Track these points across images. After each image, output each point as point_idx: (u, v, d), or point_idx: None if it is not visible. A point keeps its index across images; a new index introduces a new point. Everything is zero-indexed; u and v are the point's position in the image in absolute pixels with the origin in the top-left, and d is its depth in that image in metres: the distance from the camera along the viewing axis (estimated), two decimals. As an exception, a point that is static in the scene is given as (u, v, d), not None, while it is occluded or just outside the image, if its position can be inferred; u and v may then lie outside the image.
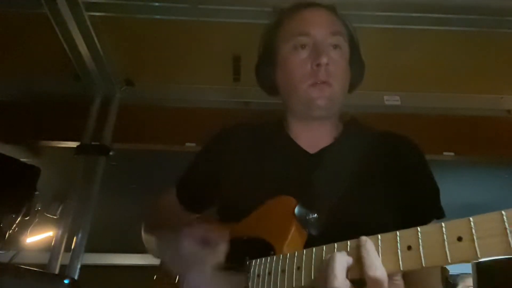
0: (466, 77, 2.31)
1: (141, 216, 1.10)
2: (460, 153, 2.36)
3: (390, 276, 0.55)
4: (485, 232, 0.47)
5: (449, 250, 0.49)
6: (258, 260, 0.74)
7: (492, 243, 0.46)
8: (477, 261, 0.48)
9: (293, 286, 0.64)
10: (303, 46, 0.92)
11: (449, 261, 0.48)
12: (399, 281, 0.57)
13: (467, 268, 2.22)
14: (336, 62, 0.91)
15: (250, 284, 0.73)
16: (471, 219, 0.48)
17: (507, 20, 1.91)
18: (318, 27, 0.92)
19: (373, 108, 2.35)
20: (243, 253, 0.78)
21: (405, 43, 2.09)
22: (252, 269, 0.74)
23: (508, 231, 0.45)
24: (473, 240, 0.47)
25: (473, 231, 0.47)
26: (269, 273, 0.70)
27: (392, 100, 2.42)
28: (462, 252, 0.48)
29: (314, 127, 0.96)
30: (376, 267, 0.54)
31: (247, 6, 1.87)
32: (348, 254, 0.58)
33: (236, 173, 0.94)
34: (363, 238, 0.57)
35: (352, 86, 0.99)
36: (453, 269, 2.83)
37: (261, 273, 0.72)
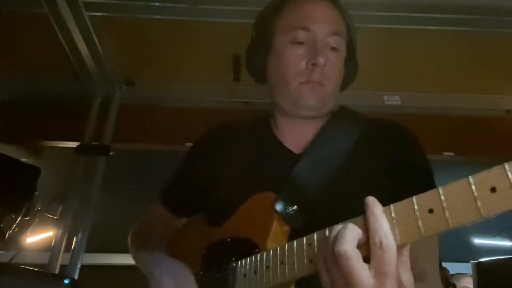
0: (466, 77, 2.31)
1: (133, 223, 1.08)
2: (460, 153, 2.36)
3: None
4: (454, 200, 0.47)
5: (422, 224, 0.49)
6: (244, 260, 0.74)
7: (462, 210, 0.46)
8: (449, 230, 0.47)
9: (278, 281, 0.64)
10: (301, 42, 0.87)
11: (423, 234, 0.49)
12: (406, 256, 0.52)
13: (467, 268, 2.22)
14: (332, 63, 0.88)
15: (237, 285, 0.73)
16: (440, 190, 0.48)
17: (507, 20, 1.91)
18: (319, 23, 0.88)
19: (373, 108, 2.35)
20: (229, 254, 0.77)
21: (405, 43, 2.09)
22: (238, 270, 0.74)
23: (476, 196, 0.45)
24: (443, 210, 0.47)
25: (443, 202, 0.48)
26: (255, 272, 0.69)
27: (392, 100, 2.42)
28: (434, 223, 0.48)
29: (301, 124, 0.92)
30: (385, 233, 0.49)
31: (247, 6, 1.87)
32: None
33: (222, 175, 0.92)
34: (370, 198, 0.52)
35: (344, 86, 0.95)
36: (452, 269, 2.83)
37: (247, 272, 0.72)
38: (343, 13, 0.94)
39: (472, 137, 2.39)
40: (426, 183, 0.82)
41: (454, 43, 2.09)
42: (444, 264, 2.44)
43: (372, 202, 0.52)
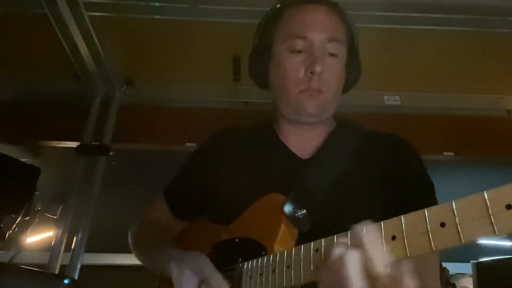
0: (466, 77, 2.31)
1: (133, 223, 1.06)
2: (460, 153, 2.36)
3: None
4: (467, 215, 0.45)
5: (432, 237, 0.48)
6: (250, 262, 0.74)
7: (475, 226, 0.45)
8: (460, 245, 0.46)
9: (283, 285, 0.64)
10: (299, 50, 0.88)
11: (433, 248, 0.48)
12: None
13: (467, 268, 2.21)
14: (330, 69, 0.88)
15: (243, 286, 0.73)
16: (453, 204, 0.47)
17: (507, 20, 1.91)
18: (316, 31, 0.88)
19: (373, 108, 2.35)
20: (236, 255, 0.77)
21: (405, 43, 2.09)
22: (244, 271, 0.74)
23: (490, 213, 0.43)
24: (456, 225, 0.46)
25: (456, 216, 0.46)
26: (261, 274, 0.69)
27: (392, 100, 2.42)
28: (446, 238, 0.47)
29: (305, 130, 0.94)
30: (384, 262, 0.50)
31: (247, 6, 1.87)
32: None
33: (227, 179, 0.92)
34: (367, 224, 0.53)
35: (347, 88, 0.96)
36: (452, 269, 2.83)
37: (253, 274, 0.72)
38: (343, 17, 0.94)
39: (472, 137, 2.38)
40: (424, 193, 0.85)
41: (454, 43, 2.09)
42: (444, 264, 2.44)
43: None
